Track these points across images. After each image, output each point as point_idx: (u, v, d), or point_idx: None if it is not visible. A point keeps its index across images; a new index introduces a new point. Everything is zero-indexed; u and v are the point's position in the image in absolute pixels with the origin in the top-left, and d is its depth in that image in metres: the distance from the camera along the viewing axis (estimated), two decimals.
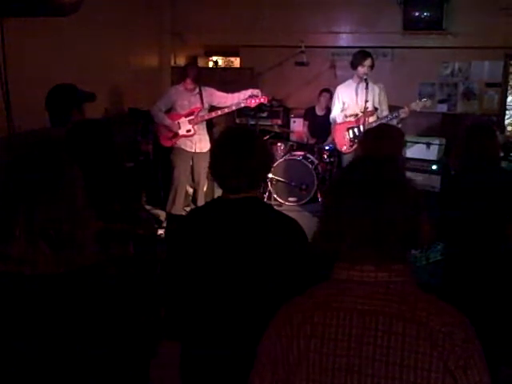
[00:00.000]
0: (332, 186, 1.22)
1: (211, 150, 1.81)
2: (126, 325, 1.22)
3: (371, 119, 4.97)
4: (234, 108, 5.22)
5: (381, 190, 1.12)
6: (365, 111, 4.96)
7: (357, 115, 5.08)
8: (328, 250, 1.18)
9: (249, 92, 5.10)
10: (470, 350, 1.04)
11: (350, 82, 5.19)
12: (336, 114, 5.26)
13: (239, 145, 1.70)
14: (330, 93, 6.68)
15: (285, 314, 1.18)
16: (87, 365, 1.14)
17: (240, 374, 1.66)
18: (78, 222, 1.19)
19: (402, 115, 4.96)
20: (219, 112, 5.24)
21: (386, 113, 5.10)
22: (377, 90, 5.06)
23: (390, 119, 5.00)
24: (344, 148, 5.18)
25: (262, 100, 5.14)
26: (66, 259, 1.17)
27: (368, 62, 4.92)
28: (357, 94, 5.02)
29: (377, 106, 5.06)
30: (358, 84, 5.02)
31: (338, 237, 1.14)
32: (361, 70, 4.93)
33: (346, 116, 5.19)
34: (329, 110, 6.78)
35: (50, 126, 2.95)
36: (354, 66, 5.00)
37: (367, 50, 5.27)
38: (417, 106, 5.00)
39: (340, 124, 5.22)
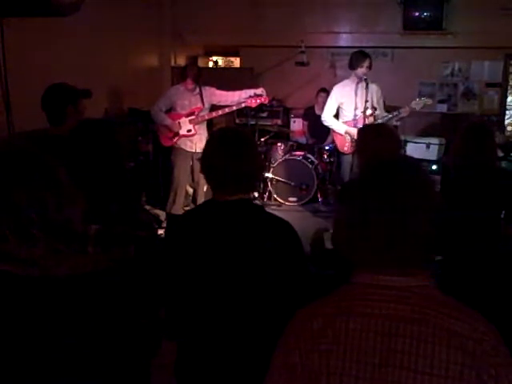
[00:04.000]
0: (355, 189, 1.15)
1: (202, 153, 1.78)
2: (128, 326, 1.22)
3: (371, 119, 4.96)
4: (234, 108, 5.22)
5: (405, 195, 1.07)
6: (365, 111, 4.96)
7: (356, 115, 5.07)
8: (349, 255, 1.12)
9: (251, 91, 5.10)
10: (500, 357, 0.99)
11: (347, 82, 5.17)
12: (329, 116, 5.23)
13: (231, 148, 1.68)
14: (326, 92, 6.69)
15: (303, 319, 1.11)
16: (89, 366, 1.14)
17: (236, 375, 1.67)
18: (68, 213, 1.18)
19: (403, 114, 4.95)
20: (220, 112, 5.24)
21: (384, 112, 5.09)
22: (375, 89, 5.06)
23: (390, 118, 4.99)
24: (345, 149, 5.17)
25: (263, 100, 5.13)
26: (71, 262, 1.16)
27: (367, 62, 4.93)
28: (356, 95, 5.01)
29: (376, 105, 5.05)
30: (357, 84, 5.01)
31: (361, 242, 1.09)
32: (360, 70, 4.93)
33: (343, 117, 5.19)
34: None
35: (48, 125, 2.96)
36: (354, 66, 4.99)
37: (367, 50, 5.27)
38: (417, 104, 4.99)
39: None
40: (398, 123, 5.11)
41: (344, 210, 1.15)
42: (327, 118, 5.24)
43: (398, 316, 1.03)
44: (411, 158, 1.24)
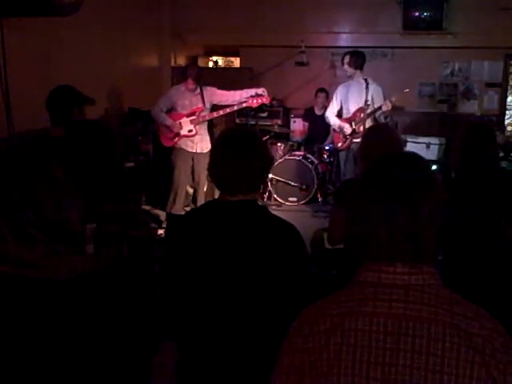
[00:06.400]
0: (363, 184, 1.13)
1: (210, 152, 1.78)
2: (125, 326, 1.21)
3: (362, 115, 5.01)
4: (235, 108, 5.21)
5: (417, 187, 1.06)
6: (364, 111, 5.00)
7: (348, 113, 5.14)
8: (356, 250, 1.11)
9: (252, 91, 5.09)
10: (509, 354, 0.99)
11: (350, 82, 5.22)
12: (330, 113, 5.35)
13: (239, 147, 1.68)
14: (325, 92, 6.70)
15: (309, 320, 1.09)
16: (88, 367, 1.13)
17: (237, 376, 1.67)
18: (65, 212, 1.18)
19: (384, 108, 4.95)
20: (220, 112, 5.24)
21: (371, 108, 5.08)
22: (377, 88, 5.08)
23: (378, 116, 5.02)
24: (339, 144, 5.26)
25: (265, 100, 5.13)
26: (71, 263, 1.16)
27: (346, 59, 5.09)
28: (359, 95, 5.05)
29: (369, 103, 5.06)
30: (361, 84, 5.04)
31: (369, 236, 1.07)
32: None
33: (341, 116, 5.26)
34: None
35: (49, 125, 2.96)
36: (362, 66, 5.04)
37: (367, 50, 5.34)
38: (395, 97, 4.97)
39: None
40: (388, 120, 5.13)
41: (351, 206, 1.12)
42: (327, 113, 5.39)
43: (408, 315, 1.02)
44: (412, 153, 1.20)
